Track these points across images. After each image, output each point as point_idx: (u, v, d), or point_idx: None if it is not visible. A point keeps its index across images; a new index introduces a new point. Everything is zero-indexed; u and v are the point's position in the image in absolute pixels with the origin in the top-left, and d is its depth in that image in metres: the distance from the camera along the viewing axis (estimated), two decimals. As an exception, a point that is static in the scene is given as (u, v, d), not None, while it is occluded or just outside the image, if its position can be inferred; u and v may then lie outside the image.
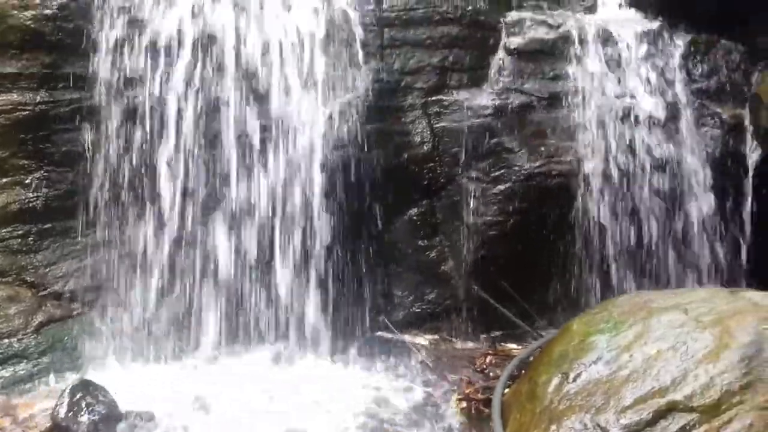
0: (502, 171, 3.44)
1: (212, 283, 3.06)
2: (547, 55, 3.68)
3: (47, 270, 2.96)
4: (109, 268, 3.02)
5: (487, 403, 2.49)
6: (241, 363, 2.98)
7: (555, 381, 2.12)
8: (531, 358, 2.63)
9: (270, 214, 3.13)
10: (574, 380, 2.08)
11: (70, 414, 2.36)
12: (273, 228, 3.14)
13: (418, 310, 3.39)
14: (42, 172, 2.96)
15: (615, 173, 3.51)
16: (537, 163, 3.45)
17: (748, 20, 3.98)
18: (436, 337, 3.32)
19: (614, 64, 3.74)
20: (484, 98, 3.52)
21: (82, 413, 2.37)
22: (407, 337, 3.27)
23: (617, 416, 1.90)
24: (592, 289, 3.45)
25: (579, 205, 3.47)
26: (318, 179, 3.17)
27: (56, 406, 2.39)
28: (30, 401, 2.57)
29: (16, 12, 2.93)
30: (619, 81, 3.70)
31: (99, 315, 2.97)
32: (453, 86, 3.52)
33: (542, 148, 3.48)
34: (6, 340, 2.77)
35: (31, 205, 2.94)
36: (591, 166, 3.49)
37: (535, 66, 3.64)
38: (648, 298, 2.33)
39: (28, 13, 2.96)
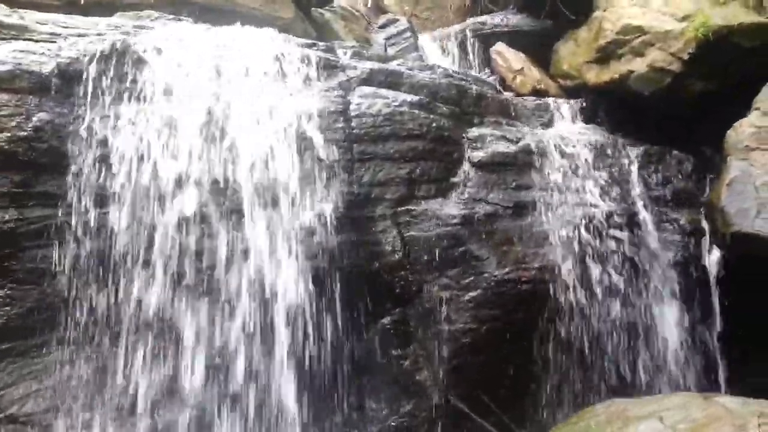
0: (472, 278, 3.48)
1: (179, 404, 2.94)
2: (510, 166, 3.86)
3: (3, 392, 2.82)
4: (70, 389, 2.89)
5: None
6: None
7: None
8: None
9: (241, 326, 3.08)
10: None
11: None
12: (243, 340, 3.07)
13: (394, 423, 3.29)
14: (5, 290, 2.89)
15: (581, 277, 3.57)
16: (506, 270, 3.50)
17: (696, 132, 4.25)
18: (414, 452, 3.20)
19: (573, 174, 3.92)
20: (452, 208, 3.62)
21: None
22: (383, 453, 3.15)
23: None
24: (567, 393, 3.40)
25: (549, 311, 3.49)
26: (289, 290, 3.15)
27: None
28: None
29: (-9, 135, 2.98)
30: (579, 190, 3.86)
31: (56, 439, 2.81)
32: (421, 197, 3.63)
33: (510, 255, 3.55)
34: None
35: (-10, 324, 2.85)
36: (558, 271, 3.55)
37: (498, 177, 3.80)
38: (624, 406, 2.31)
39: (3, 135, 3.00)
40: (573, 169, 3.92)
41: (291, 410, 3.03)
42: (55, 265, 2.97)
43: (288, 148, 3.40)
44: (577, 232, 3.66)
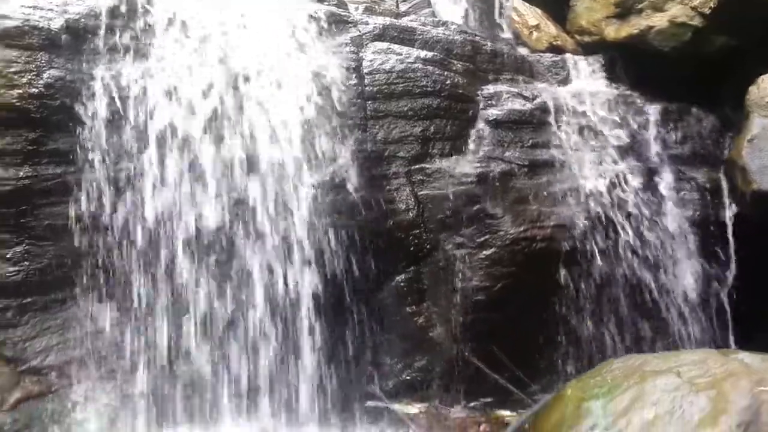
0: (487, 237, 3.46)
1: (195, 356, 2.98)
2: (526, 124, 3.80)
3: (26, 345, 2.87)
4: (89, 342, 2.94)
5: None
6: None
7: None
8: (525, 426, 2.57)
9: (252, 282, 3.09)
10: None
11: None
12: (255, 296, 3.09)
13: (408, 378, 3.33)
14: (23, 246, 2.92)
15: (597, 236, 3.55)
16: (521, 228, 3.48)
17: (717, 90, 4.16)
18: (427, 405, 3.24)
19: (590, 132, 3.86)
20: (466, 166, 3.59)
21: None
22: (398, 406, 3.19)
23: (619, 483, 1.85)
24: (582, 353, 3.41)
25: (564, 269, 3.48)
26: (304, 248, 3.16)
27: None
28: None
29: (3, 91, 2.96)
30: (596, 148, 3.81)
31: (78, 390, 2.86)
32: (435, 155, 3.59)
33: (526, 214, 3.52)
34: (-20, 418, 2.67)
35: (11, 279, 2.88)
36: (574, 229, 3.52)
37: (514, 135, 3.74)
38: (641, 361, 2.31)
39: (15, 92, 2.99)
40: (590, 127, 3.86)
41: (308, 362, 3.05)
42: (71, 221, 2.97)
43: (301, 105, 3.36)
44: (593, 190, 3.62)
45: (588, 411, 2.13)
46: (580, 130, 3.84)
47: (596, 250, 3.51)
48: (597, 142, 3.82)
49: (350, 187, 3.33)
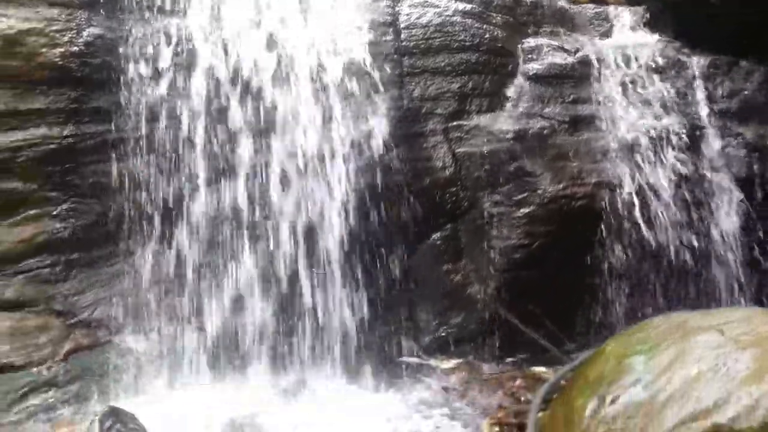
0: (525, 194, 3.43)
1: (235, 310, 3.05)
2: (567, 79, 3.71)
3: (75, 299, 2.97)
4: (135, 296, 3.03)
5: (521, 427, 2.44)
6: (264, 389, 2.95)
7: (591, 404, 2.07)
8: (563, 382, 2.57)
9: (293, 242, 3.13)
10: (612, 403, 2.03)
11: (101, 442, 2.35)
12: (296, 255, 3.13)
13: (444, 334, 3.36)
14: (69, 203, 2.99)
15: (639, 195, 3.48)
16: (560, 186, 3.44)
17: (764, 39, 3.98)
18: (463, 361, 3.27)
19: (633, 86, 3.75)
20: (505, 123, 3.53)
21: (114, 441, 2.35)
22: (433, 362, 3.23)
23: (660, 440, 1.85)
24: (619, 311, 3.39)
25: (604, 227, 3.44)
26: (341, 206, 3.17)
27: (87, 433, 2.39)
28: (61, 429, 2.56)
29: (45, 50, 2.99)
30: (639, 103, 3.70)
31: (125, 342, 2.97)
32: (473, 111, 3.54)
33: (565, 171, 3.47)
34: (36, 369, 2.78)
35: (58, 235, 2.96)
36: (615, 187, 3.46)
37: (554, 90, 3.66)
38: (684, 318, 2.28)
39: (57, 51, 3.01)
40: (633, 81, 3.75)
41: (344, 318, 3.10)
42: (113, 179, 3.03)
43: (335, 62, 3.33)
44: (636, 146, 3.54)
45: (629, 367, 2.12)
46: (623, 85, 3.73)
47: (637, 209, 3.44)
48: (640, 97, 3.71)
49: (386, 145, 3.31)
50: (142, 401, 2.78)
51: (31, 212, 2.92)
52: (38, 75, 2.97)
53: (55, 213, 2.96)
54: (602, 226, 3.42)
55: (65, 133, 3.00)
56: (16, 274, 2.87)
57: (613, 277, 3.41)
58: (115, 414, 2.44)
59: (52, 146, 2.97)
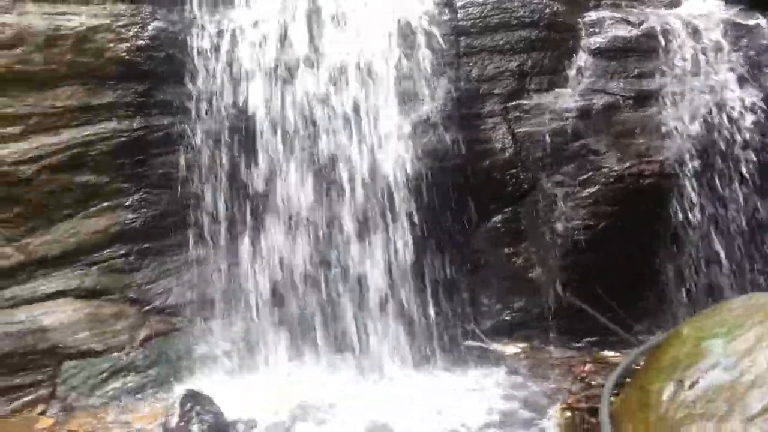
0: (590, 174, 3.34)
1: (301, 295, 3.12)
2: (631, 52, 3.57)
3: (148, 287, 3.10)
4: (205, 282, 3.14)
5: (592, 412, 2.41)
6: (331, 373, 3.02)
7: (669, 388, 2.04)
8: (634, 366, 2.53)
9: (355, 228, 3.16)
10: (691, 387, 2.00)
11: (181, 424, 2.46)
12: (357, 239, 3.16)
13: (507, 318, 3.34)
14: (140, 194, 3.10)
15: (710, 171, 3.35)
16: (626, 164, 3.33)
17: None
18: (527, 345, 3.25)
19: (703, 58, 3.58)
20: (567, 100, 3.45)
21: (193, 423, 2.46)
22: (497, 346, 3.22)
23: (745, 425, 1.80)
24: (690, 295, 3.29)
25: (673, 206, 3.33)
26: (400, 191, 3.18)
27: (168, 416, 2.51)
28: (141, 412, 2.70)
29: (112, 45, 3.08)
30: (710, 75, 3.54)
31: (198, 328, 3.09)
32: (533, 90, 3.47)
33: (631, 149, 3.36)
34: (115, 354, 2.93)
35: (130, 226, 3.08)
36: (685, 164, 3.34)
37: (618, 65, 3.54)
38: (763, 300, 2.20)
39: (123, 46, 3.10)
40: (703, 53, 3.58)
41: (406, 303, 3.13)
42: (181, 169, 3.12)
43: (391, 43, 3.31)
44: (707, 121, 3.39)
45: (707, 350, 2.07)
46: (692, 56, 3.56)
47: (709, 186, 3.31)
48: (711, 69, 3.54)
49: (444, 127, 3.29)
50: (216, 384, 2.88)
51: (105, 204, 3.05)
52: (107, 70, 3.07)
53: (127, 204, 3.08)
54: (671, 205, 3.31)
55: (134, 126, 3.10)
56: (92, 264, 3.02)
57: (682, 258, 3.30)
58: (193, 397, 2.56)
59: (122, 139, 3.08)
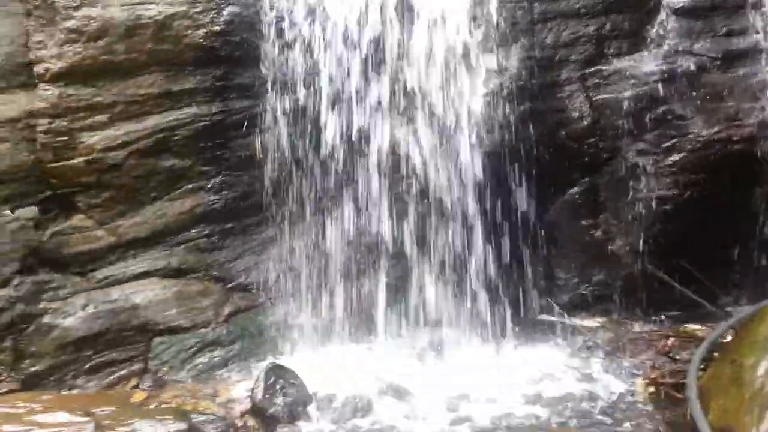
0: (674, 140, 3.20)
1: (378, 271, 3.17)
2: (718, 10, 3.37)
3: (231, 265, 3.22)
4: (284, 260, 3.23)
5: (677, 387, 2.35)
6: (409, 346, 3.07)
7: (765, 363, 1.98)
8: (721, 340, 2.44)
9: (428, 201, 3.17)
10: None
11: (266, 396, 2.56)
12: (431, 214, 3.17)
13: (585, 292, 3.28)
14: (221, 176, 3.21)
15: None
16: (714, 129, 3.17)
17: None
18: (606, 319, 3.18)
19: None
20: (649, 64, 3.29)
21: (277, 395, 2.57)
22: (576, 320, 3.17)
23: None
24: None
25: (765, 173, 3.14)
26: (474, 164, 3.15)
27: (253, 389, 2.61)
28: (227, 385, 2.84)
29: (189, 32, 3.16)
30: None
31: (278, 304, 3.19)
32: (612, 55, 3.33)
33: (719, 113, 3.18)
34: (202, 330, 3.08)
35: (213, 207, 3.20)
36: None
37: (704, 24, 3.34)
38: None
39: (200, 32, 3.17)
40: (800, 5, 3.32)
41: (481, 277, 3.12)
42: (257, 151, 3.21)
43: (462, 11, 3.25)
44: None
45: None
46: (787, 12, 3.31)
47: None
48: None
49: (518, 97, 3.21)
50: (297, 359, 2.99)
51: (188, 186, 3.17)
52: (185, 57, 3.17)
53: (209, 186, 3.20)
54: (762, 172, 3.12)
55: (213, 110, 3.20)
56: (178, 244, 3.16)
57: (774, 227, 3.12)
58: (277, 370, 2.67)
59: (202, 123, 3.18)
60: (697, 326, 2.94)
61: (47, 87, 2.99)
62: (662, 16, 3.38)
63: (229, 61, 3.21)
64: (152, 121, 3.11)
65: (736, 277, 3.18)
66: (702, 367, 2.36)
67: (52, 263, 2.99)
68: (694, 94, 3.25)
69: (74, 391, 2.82)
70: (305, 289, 3.21)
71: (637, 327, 3.14)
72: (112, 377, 2.94)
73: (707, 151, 3.17)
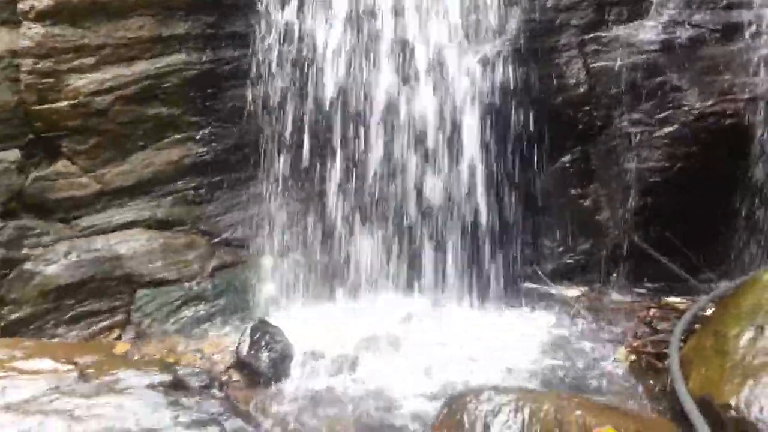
0: (669, 112, 3.19)
1: (365, 231, 3.16)
2: (718, -19, 3.31)
3: (218, 219, 3.19)
4: (273, 216, 3.20)
5: (658, 356, 2.39)
6: (394, 310, 3.06)
7: (748, 334, 2.01)
8: (706, 311, 2.48)
9: (420, 163, 3.14)
10: None
11: (252, 351, 2.56)
12: (422, 176, 3.15)
13: (570, 261, 3.30)
14: (210, 128, 3.15)
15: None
16: (709, 102, 3.15)
17: None
18: (589, 289, 3.21)
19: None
20: (648, 33, 3.25)
21: (262, 351, 2.57)
22: (560, 288, 3.19)
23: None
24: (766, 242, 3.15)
25: (756, 149, 3.15)
26: (468, 127, 3.11)
27: (239, 344, 2.61)
28: (211, 340, 2.83)
29: (182, -24, 3.06)
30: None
31: (265, 260, 3.17)
32: (612, 21, 3.29)
33: (715, 86, 3.17)
34: (187, 284, 3.06)
35: (202, 159, 3.15)
36: (772, 103, 3.13)
37: (705, -6, 3.29)
38: None
39: (193, -24, 3.07)
40: (802, -22, 3.28)
41: (466, 243, 3.12)
42: (250, 103, 3.14)
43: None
44: (801, 57, 3.14)
45: None
46: (789, -14, 3.27)
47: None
48: (809, -2, 3.25)
49: (515, 61, 3.17)
50: (282, 316, 2.99)
51: (177, 136, 3.11)
52: (177, 1, 3.07)
53: (198, 137, 3.14)
54: (753, 147, 3.13)
55: (204, 58, 3.12)
56: (165, 195, 3.12)
57: (762, 203, 3.14)
58: (262, 327, 2.67)
59: (193, 72, 3.11)
60: (678, 299, 2.98)
61: (32, 25, 2.89)
62: (665, -17, 3.33)
63: (220, 8, 3.13)
64: (141, 67, 3.03)
65: (720, 253, 3.21)
66: (683, 338, 2.39)
67: (36, 209, 2.94)
68: (691, 65, 3.22)
69: (55, 340, 2.80)
70: (293, 247, 3.19)
71: (619, 297, 3.17)
72: (93, 327, 2.92)
73: (700, 124, 3.16)
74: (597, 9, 3.28)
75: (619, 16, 3.30)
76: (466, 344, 2.72)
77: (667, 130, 3.19)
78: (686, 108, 3.18)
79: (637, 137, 3.21)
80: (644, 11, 3.31)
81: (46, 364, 2.23)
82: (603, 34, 3.28)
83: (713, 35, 3.24)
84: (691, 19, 3.26)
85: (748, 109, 3.17)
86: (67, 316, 2.89)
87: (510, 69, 3.17)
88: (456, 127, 3.12)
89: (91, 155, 3.01)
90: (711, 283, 3.00)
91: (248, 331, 2.63)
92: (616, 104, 3.24)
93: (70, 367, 2.23)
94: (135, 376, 2.19)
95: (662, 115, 3.19)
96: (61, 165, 2.99)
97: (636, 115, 3.22)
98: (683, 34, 3.24)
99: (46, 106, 2.92)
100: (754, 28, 3.24)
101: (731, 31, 3.24)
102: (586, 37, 3.27)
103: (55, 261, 2.88)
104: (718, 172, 3.16)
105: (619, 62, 3.24)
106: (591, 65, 3.26)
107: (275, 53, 3.14)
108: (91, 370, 2.21)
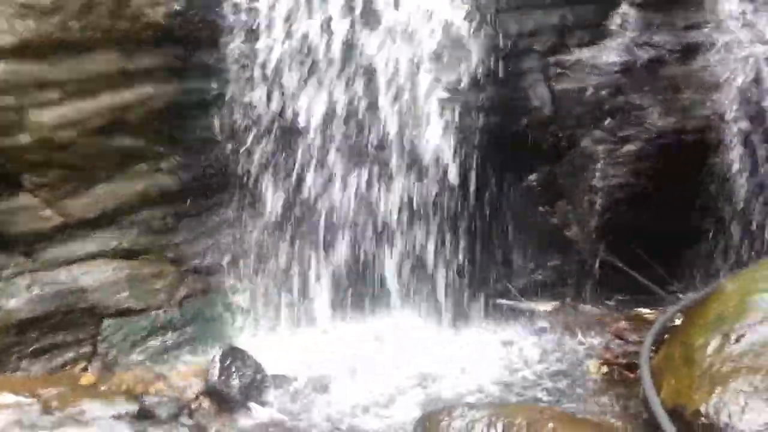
0: (631, 130, 3.25)
1: (334, 255, 3.15)
2: (677, 3, 3.43)
3: (186, 247, 3.14)
4: (241, 243, 3.19)
5: (630, 367, 2.40)
6: (363, 332, 3.06)
7: (714, 343, 2.04)
8: (670, 324, 2.50)
9: (389, 184, 3.16)
10: (737, 341, 1.99)
11: (222, 377, 2.53)
12: (387, 196, 3.16)
13: (540, 277, 3.33)
14: (177, 157, 3.13)
15: (757, 129, 3.22)
16: (670, 120, 3.23)
17: None
18: (560, 303, 3.24)
19: (751, 6, 3.41)
20: (610, 55, 3.34)
21: (233, 377, 2.53)
22: (530, 305, 3.21)
23: (793, 378, 1.77)
24: (730, 253, 3.20)
25: (716, 164, 3.22)
26: (436, 148, 3.14)
27: (208, 371, 2.56)
28: (180, 367, 2.78)
29: (149, 10, 3.06)
30: (760, 26, 3.37)
31: (235, 287, 3.15)
32: (574, 45, 3.37)
33: (676, 104, 3.25)
34: (154, 312, 3.00)
35: (168, 188, 3.12)
36: (730, 120, 3.21)
37: (664, 16, 3.41)
38: (808, 257, 2.15)
39: (160, 10, 3.09)
40: (753, 2, 3.40)
41: (438, 260, 3.14)
42: (216, 132, 3.14)
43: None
44: (757, 74, 3.24)
45: (754, 305, 2.08)
46: (742, 6, 3.39)
47: (755, 143, 3.18)
48: (762, 19, 3.37)
49: (481, 85, 3.22)
50: (253, 341, 2.96)
51: (143, 166, 3.08)
52: (144, 35, 3.06)
53: (164, 167, 3.12)
54: (714, 163, 3.20)
55: (171, 90, 3.11)
56: (131, 225, 3.07)
57: (724, 218, 3.21)
58: (233, 353, 2.63)
59: (159, 103, 3.10)
60: (647, 310, 3.01)
61: (-5, 62, 2.88)
62: (623, 8, 3.44)
63: (188, 41, 3.14)
64: (106, 100, 3.01)
65: (687, 264, 3.26)
66: (653, 348, 2.41)
67: (-4, 243, 2.88)
68: (652, 85, 3.30)
69: (18, 374, 2.73)
70: (262, 273, 3.17)
71: (588, 310, 3.19)
72: (59, 360, 2.85)
73: (662, 141, 3.24)
74: (559, 33, 3.36)
75: (581, 40, 3.39)
76: (438, 362, 2.72)
77: (630, 147, 3.25)
78: (648, 126, 3.24)
79: (602, 155, 3.27)
80: (605, 34, 3.40)
81: (8, 398, 2.19)
82: (566, 57, 3.36)
83: (673, 56, 3.34)
84: (651, 40, 3.36)
85: (709, 126, 3.24)
86: (31, 349, 2.81)
87: (477, 93, 3.22)
88: (425, 147, 3.13)
89: (54, 188, 2.97)
90: (678, 294, 3.03)
91: (218, 357, 2.59)
92: (580, 124, 3.31)
93: (33, 400, 2.18)
94: (100, 407, 2.16)
95: (624, 133, 3.26)
96: (23, 199, 2.94)
97: (599, 134, 3.29)
98: (644, 55, 3.33)
99: (8, 142, 2.89)
100: (712, 48, 3.34)
101: (690, 52, 3.34)
102: (549, 60, 3.34)
103: (17, 295, 2.82)
104: (682, 188, 3.22)
105: (581, 84, 3.32)
106: (555, 87, 3.34)
107: (240, 83, 3.14)
108: (54, 403, 2.17)
